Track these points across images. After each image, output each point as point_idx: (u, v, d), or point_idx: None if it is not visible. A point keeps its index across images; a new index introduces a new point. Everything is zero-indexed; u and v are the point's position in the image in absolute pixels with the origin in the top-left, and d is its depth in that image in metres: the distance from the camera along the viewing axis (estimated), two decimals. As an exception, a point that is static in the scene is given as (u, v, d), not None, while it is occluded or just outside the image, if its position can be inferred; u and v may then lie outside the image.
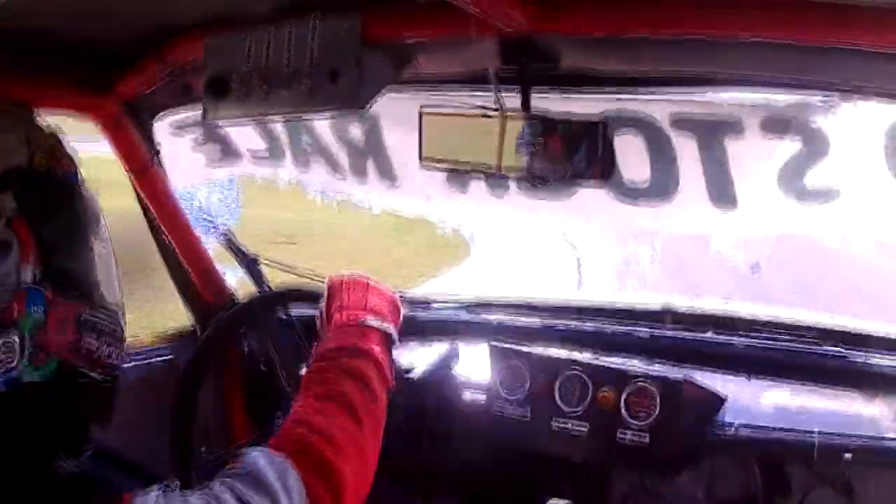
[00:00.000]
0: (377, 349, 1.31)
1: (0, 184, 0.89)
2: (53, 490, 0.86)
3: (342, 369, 1.24)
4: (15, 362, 0.87)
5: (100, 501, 0.88)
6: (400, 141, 1.80)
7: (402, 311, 1.47)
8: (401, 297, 1.52)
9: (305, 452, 1.05)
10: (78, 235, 0.96)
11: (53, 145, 0.97)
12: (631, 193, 1.63)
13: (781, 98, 1.40)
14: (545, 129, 1.28)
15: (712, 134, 1.49)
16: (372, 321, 1.36)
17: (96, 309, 0.95)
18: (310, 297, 1.78)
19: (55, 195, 0.95)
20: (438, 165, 1.48)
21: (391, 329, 1.38)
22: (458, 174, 1.77)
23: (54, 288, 0.90)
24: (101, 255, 0.98)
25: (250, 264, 2.09)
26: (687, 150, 1.53)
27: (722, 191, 1.56)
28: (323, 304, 1.43)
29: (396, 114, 1.71)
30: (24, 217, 0.90)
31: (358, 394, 1.20)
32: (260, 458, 1.01)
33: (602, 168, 1.25)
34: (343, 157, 1.92)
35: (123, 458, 1.02)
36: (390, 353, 1.36)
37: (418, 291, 2.20)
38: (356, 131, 1.85)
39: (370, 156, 1.89)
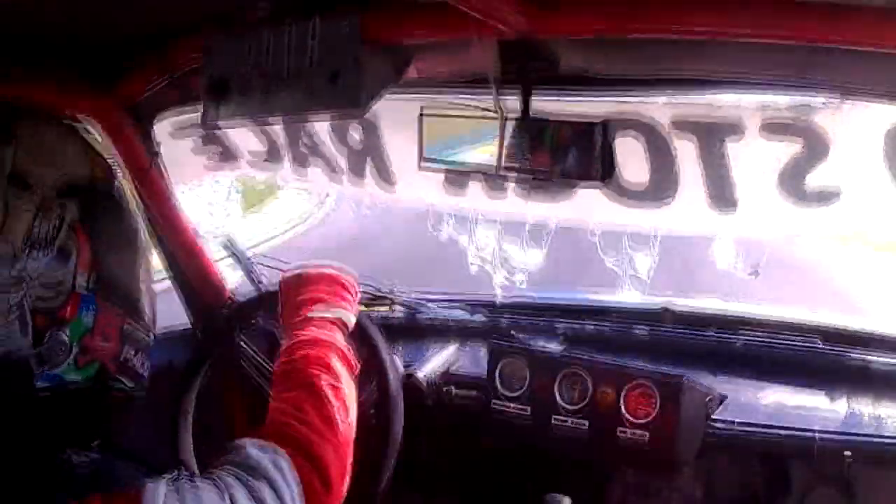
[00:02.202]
0: (333, 336, 1.36)
1: (67, 191, 0.93)
2: (67, 478, 0.90)
3: (305, 362, 1.28)
4: (62, 359, 0.91)
5: (112, 488, 0.89)
6: (398, 143, 1.80)
7: (359, 290, 1.52)
8: (396, 301, 1.52)
9: (289, 440, 1.09)
10: (127, 247, 1.00)
11: (105, 159, 1.01)
12: (630, 195, 1.63)
13: (782, 100, 1.40)
14: (545, 131, 1.28)
15: (712, 136, 1.49)
16: (320, 312, 1.40)
17: (138, 321, 1.00)
18: None
19: (110, 207, 0.99)
20: (438, 167, 1.47)
21: (342, 313, 1.42)
22: (457, 175, 1.77)
23: (104, 295, 0.95)
24: (143, 269, 1.03)
25: (248, 265, 2.10)
26: (687, 152, 1.53)
27: (722, 193, 1.56)
28: (279, 306, 1.47)
29: (395, 116, 1.71)
30: (84, 226, 0.94)
31: (324, 381, 1.24)
32: (251, 447, 1.04)
33: (602, 169, 1.25)
34: (341, 159, 1.92)
35: (127, 453, 1.04)
36: (347, 334, 1.41)
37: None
38: (354, 134, 1.85)
39: (368, 158, 1.89)
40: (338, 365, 1.29)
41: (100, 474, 0.92)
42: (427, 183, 1.85)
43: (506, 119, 1.26)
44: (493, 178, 1.67)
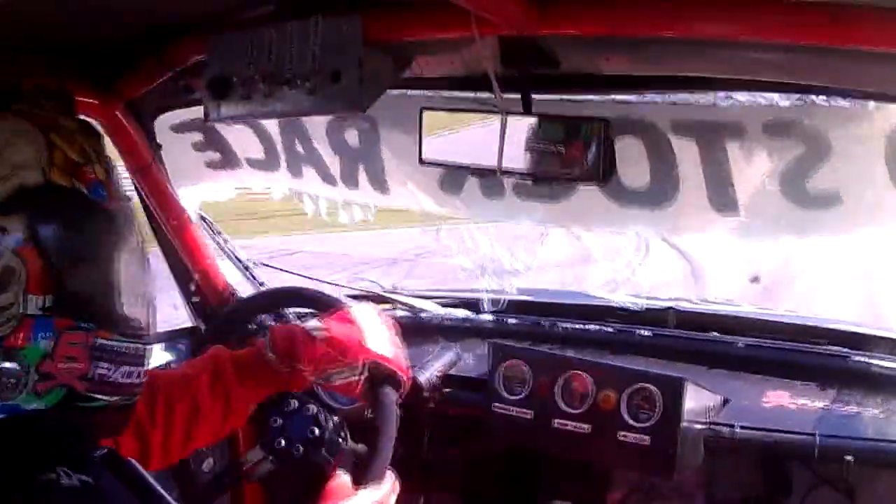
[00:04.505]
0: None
1: (9, 206, 0.83)
2: (51, 500, 0.82)
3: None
4: (14, 391, 0.83)
5: None
6: (394, 146, 1.79)
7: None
8: (397, 301, 1.49)
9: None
10: (97, 256, 0.89)
11: (82, 153, 0.90)
12: (631, 198, 1.62)
13: (783, 100, 1.39)
14: (546, 130, 1.28)
15: (713, 137, 1.48)
16: None
17: (114, 332, 0.90)
18: (308, 298, 1.79)
19: (73, 214, 0.88)
20: (439, 164, 1.47)
21: None
22: (453, 177, 1.76)
23: (66, 315, 0.85)
24: (125, 273, 0.92)
25: (245, 266, 2.11)
26: (687, 154, 1.52)
27: (723, 195, 1.55)
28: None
29: (392, 120, 1.71)
30: (35, 242, 0.84)
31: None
32: None
33: (602, 169, 1.24)
34: (335, 165, 1.92)
35: (135, 474, 0.99)
36: None
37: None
38: (349, 139, 1.85)
39: (361, 164, 1.89)
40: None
41: (91, 498, 0.84)
42: (421, 187, 1.84)
43: (507, 117, 1.25)
44: (490, 179, 1.67)
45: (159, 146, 1.81)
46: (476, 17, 1.10)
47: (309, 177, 1.99)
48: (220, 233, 2.11)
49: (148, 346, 0.96)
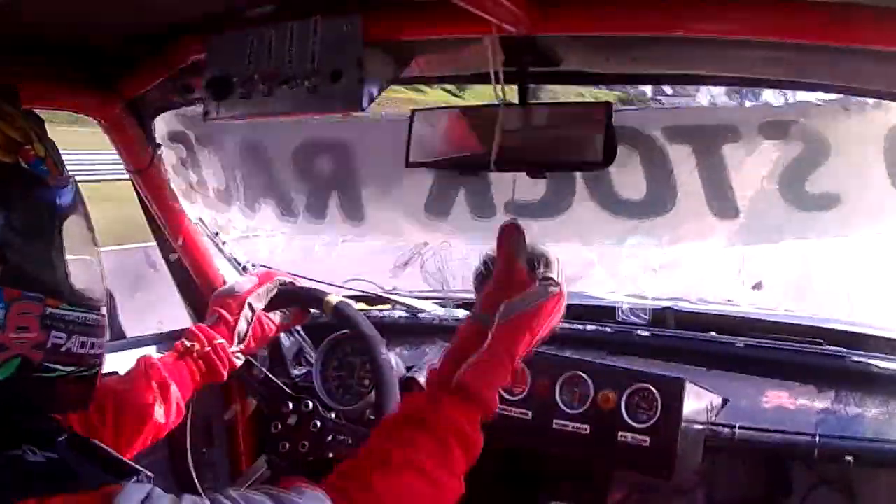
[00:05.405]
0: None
1: None
2: (16, 476, 0.83)
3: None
4: None
5: (73, 489, 0.84)
6: (373, 169, 1.77)
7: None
8: (397, 301, 1.49)
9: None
10: (42, 230, 0.92)
11: (23, 133, 0.93)
12: (628, 209, 1.61)
13: (780, 100, 1.39)
14: (544, 119, 1.26)
15: (709, 141, 1.47)
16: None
17: (65, 303, 0.93)
18: (305, 298, 1.79)
19: (15, 189, 0.90)
20: (427, 164, 1.44)
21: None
22: (441, 199, 1.74)
23: (14, 286, 0.88)
24: (70, 245, 0.95)
25: (244, 267, 2.11)
26: (683, 160, 1.51)
27: (722, 200, 1.55)
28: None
29: (373, 140, 1.69)
30: None
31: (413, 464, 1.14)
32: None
33: (605, 152, 1.20)
34: (299, 199, 1.87)
35: (102, 452, 0.99)
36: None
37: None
38: (321, 163, 1.80)
39: (334, 191, 1.83)
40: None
41: (59, 474, 0.85)
42: (406, 213, 1.81)
43: (505, 109, 1.23)
44: (481, 199, 1.64)
45: (159, 146, 1.80)
46: (476, 17, 1.10)
47: (265, 213, 1.94)
48: (217, 233, 2.10)
49: (103, 317, 0.98)
